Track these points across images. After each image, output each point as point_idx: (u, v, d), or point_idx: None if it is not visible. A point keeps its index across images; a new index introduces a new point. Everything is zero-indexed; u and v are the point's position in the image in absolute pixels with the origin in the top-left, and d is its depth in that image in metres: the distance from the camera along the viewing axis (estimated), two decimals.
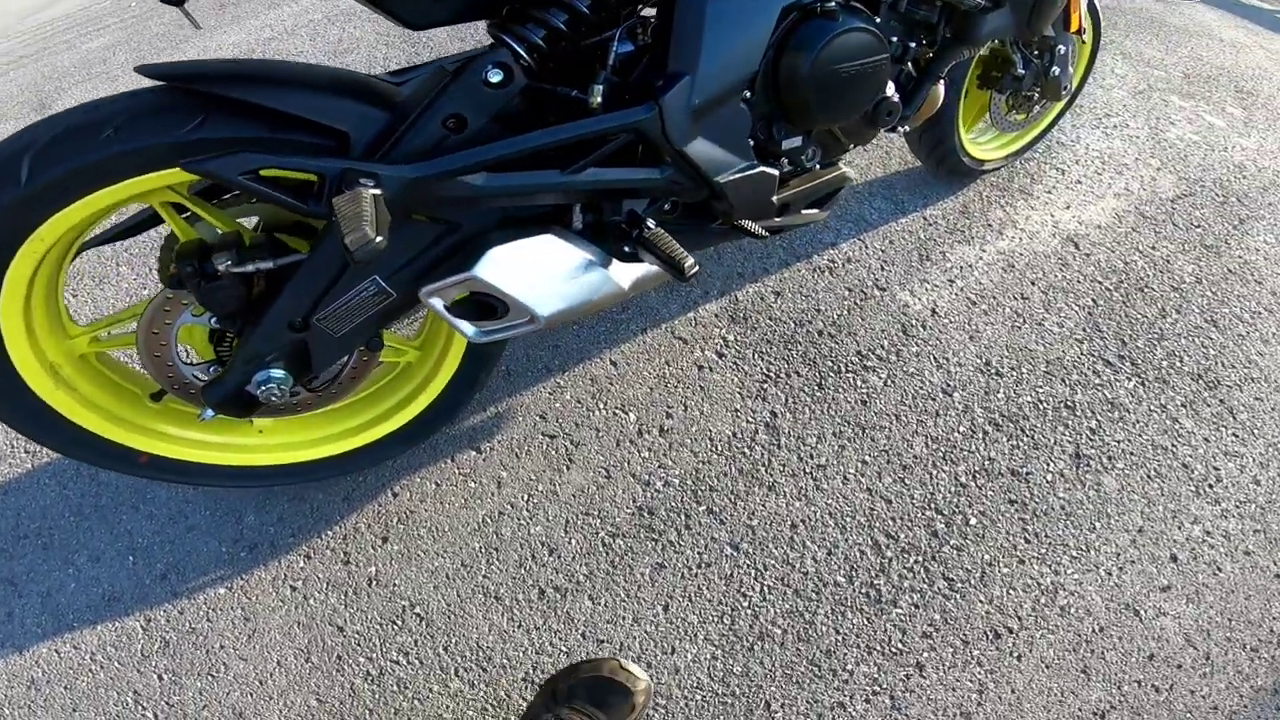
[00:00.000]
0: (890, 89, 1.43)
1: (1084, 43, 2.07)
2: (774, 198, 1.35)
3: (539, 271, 1.11)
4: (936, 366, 1.68)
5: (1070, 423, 1.58)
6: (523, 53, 1.06)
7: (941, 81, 1.59)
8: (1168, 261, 1.95)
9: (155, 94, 0.96)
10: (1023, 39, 1.66)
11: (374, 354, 1.28)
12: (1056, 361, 1.70)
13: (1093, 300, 1.84)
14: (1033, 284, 1.87)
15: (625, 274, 1.20)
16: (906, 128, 1.60)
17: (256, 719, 1.27)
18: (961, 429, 1.57)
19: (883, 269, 1.90)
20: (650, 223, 1.19)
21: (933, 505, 1.46)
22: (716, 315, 1.80)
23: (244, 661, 1.33)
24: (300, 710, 1.28)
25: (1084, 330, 1.77)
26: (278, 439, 1.41)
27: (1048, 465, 1.51)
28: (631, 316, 1.81)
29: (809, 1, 1.22)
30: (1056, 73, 1.88)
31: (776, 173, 1.32)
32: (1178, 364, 1.70)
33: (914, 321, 1.77)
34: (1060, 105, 2.19)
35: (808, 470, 1.52)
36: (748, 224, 1.37)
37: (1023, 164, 2.24)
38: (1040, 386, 1.65)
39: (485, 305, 1.14)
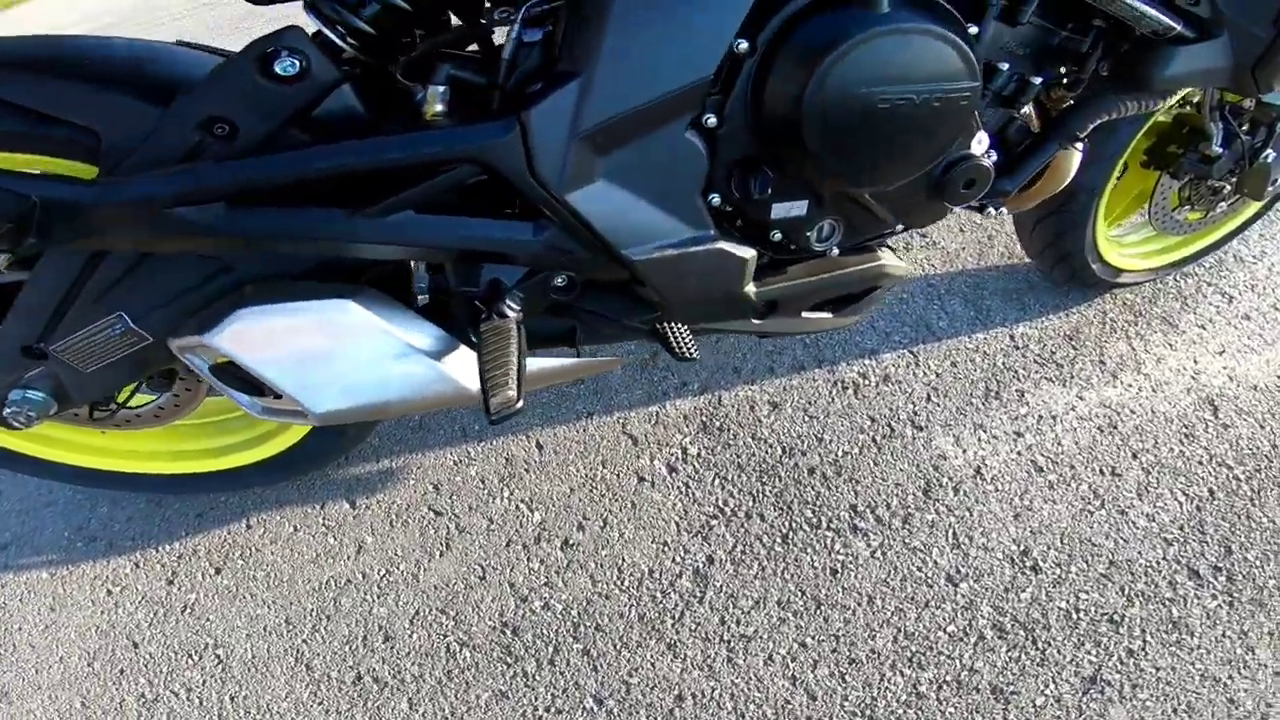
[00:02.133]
0: (979, 143, 1.04)
1: None
2: (746, 290, 1.03)
3: (310, 354, 0.88)
4: (952, 545, 1.32)
5: (1104, 641, 1.22)
6: (334, 37, 0.83)
7: (1077, 146, 1.17)
8: None
9: None
10: (1242, 94, 1.20)
11: (199, 387, 1.17)
12: (1124, 564, 1.30)
13: (1210, 491, 1.39)
14: (1134, 457, 1.43)
15: (471, 371, 0.94)
16: (1004, 209, 1.23)
17: (19, 701, 1.32)
18: (952, 629, 1.23)
19: (928, 400, 1.54)
20: (510, 305, 0.92)
21: (868, 715, 1.16)
22: (686, 417, 1.54)
23: (31, 648, 1.38)
24: (64, 708, 1.31)
25: (1180, 529, 1.34)
26: (125, 445, 1.38)
27: (1045, 687, 1.17)
28: (581, 394, 1.60)
29: None
30: (1270, 159, 1.42)
31: (749, 254, 1.00)
32: None
33: (945, 480, 1.41)
34: (1258, 206, 1.71)
35: (726, 638, 1.25)
36: (673, 334, 1.05)
37: (1177, 280, 1.76)
38: (1086, 592, 1.27)
39: None
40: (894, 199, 1.06)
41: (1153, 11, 0.99)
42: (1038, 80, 1.05)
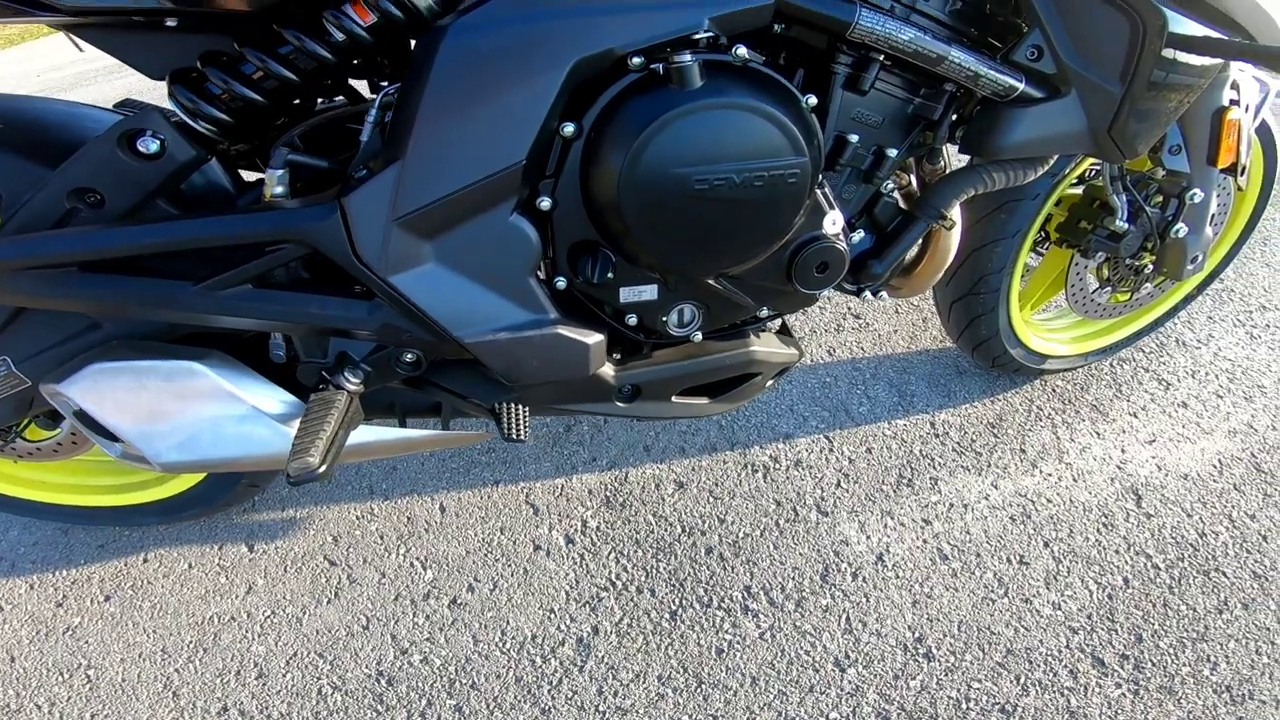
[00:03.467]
0: (833, 224, 1.01)
1: (1241, 189, 1.51)
2: (601, 374, 1.05)
3: (154, 409, 0.94)
4: (844, 630, 1.32)
5: None
6: (189, 120, 0.89)
7: (945, 224, 1.14)
8: (1263, 539, 1.43)
9: None
10: (1107, 160, 1.10)
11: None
12: (1022, 652, 1.28)
13: (1124, 580, 1.38)
14: (1045, 546, 1.43)
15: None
16: (884, 294, 1.20)
17: None
18: (835, 715, 1.21)
19: (838, 486, 1.55)
20: (349, 378, 0.97)
21: None
22: (591, 491, 1.56)
23: None
24: None
25: (1088, 617, 1.32)
26: (32, 475, 1.46)
27: None
28: (490, 462, 1.64)
29: (633, 54, 0.84)
30: (1181, 234, 1.36)
31: (592, 339, 1.00)
32: (1204, 672, 1.24)
33: (845, 565, 1.41)
34: (1190, 285, 1.65)
35: (602, 709, 1.24)
36: (508, 414, 1.06)
37: (1114, 365, 1.76)
38: (979, 680, 1.25)
39: None
40: (748, 284, 1.05)
41: (988, 70, 0.96)
42: (893, 152, 1.03)
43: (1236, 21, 0.98)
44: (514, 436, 1.08)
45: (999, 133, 1.01)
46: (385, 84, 0.96)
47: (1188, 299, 1.73)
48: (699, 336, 1.10)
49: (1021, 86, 0.98)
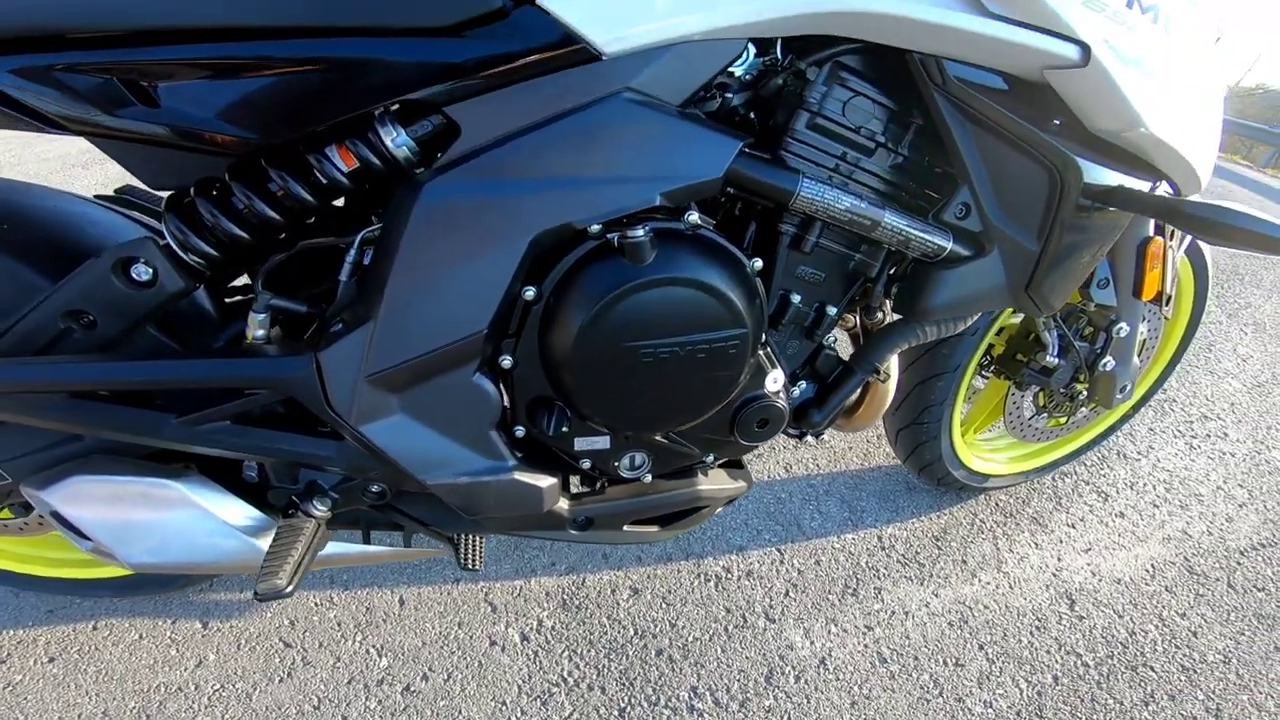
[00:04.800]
0: (774, 381, 1.08)
1: (1167, 318, 1.58)
2: (555, 510, 1.11)
3: (129, 519, 1.01)
4: None
5: None
6: (180, 252, 0.95)
7: (879, 378, 1.23)
8: (1194, 635, 1.54)
9: None
10: (1026, 313, 1.20)
11: None
12: None
13: (1054, 677, 1.47)
14: (980, 648, 1.52)
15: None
16: (820, 437, 1.28)
17: None
18: None
19: (787, 595, 1.62)
20: (317, 506, 1.04)
21: None
22: (548, 593, 1.62)
23: None
24: None
25: (1017, 714, 1.40)
26: None
27: None
28: (451, 560, 1.65)
29: (587, 224, 0.91)
30: (1110, 367, 1.44)
31: (547, 483, 1.08)
32: None
33: (789, 669, 1.48)
34: (1125, 407, 1.75)
35: None
36: (465, 544, 1.15)
37: (1056, 479, 1.87)
38: None
39: None
40: (693, 436, 1.13)
41: (920, 232, 1.02)
42: (833, 310, 1.11)
43: (1154, 166, 1.05)
44: (469, 566, 1.17)
45: (927, 294, 1.09)
46: (372, 217, 1.04)
47: (1124, 418, 1.82)
48: (649, 478, 1.17)
49: (950, 246, 1.05)
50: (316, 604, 1.59)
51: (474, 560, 1.18)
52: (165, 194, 1.01)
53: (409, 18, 0.84)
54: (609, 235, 0.92)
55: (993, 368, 1.59)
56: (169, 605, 1.58)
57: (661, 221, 0.94)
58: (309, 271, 1.08)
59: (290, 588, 0.96)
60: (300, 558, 0.99)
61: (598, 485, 1.23)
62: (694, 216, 0.95)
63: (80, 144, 4.50)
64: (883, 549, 1.74)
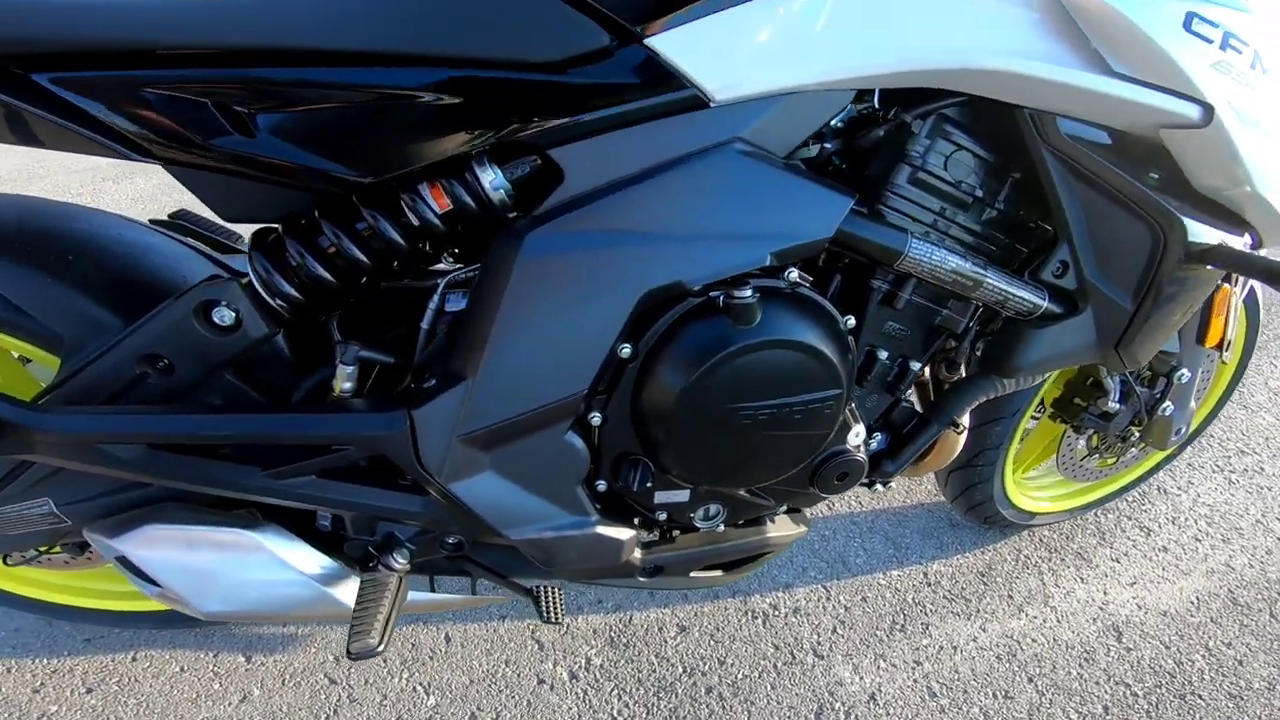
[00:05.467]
0: (856, 436, 1.07)
1: (1225, 363, 1.59)
2: (631, 559, 1.10)
3: (204, 568, 0.99)
4: None
5: None
6: (266, 296, 0.92)
7: (957, 430, 1.22)
8: (1239, 663, 1.54)
9: None
10: (1111, 369, 1.22)
11: None
12: None
13: (1104, 708, 1.46)
14: (1029, 681, 1.51)
15: (353, 595, 1.04)
16: (890, 485, 1.26)
17: None
18: None
19: (834, 631, 1.61)
20: (397, 559, 1.02)
21: None
22: (595, 630, 1.59)
23: None
24: None
25: None
26: (22, 570, 1.42)
27: None
28: (498, 597, 1.60)
29: (698, 285, 0.89)
30: (1169, 412, 1.44)
31: (628, 535, 1.07)
32: None
33: (839, 704, 1.46)
34: (1170, 451, 1.75)
35: None
36: (546, 598, 1.13)
37: (1098, 516, 1.87)
38: None
39: None
40: (771, 490, 1.13)
41: (1019, 292, 1.02)
42: (917, 366, 1.10)
43: (1247, 221, 1.04)
44: (552, 619, 1.15)
45: (1017, 352, 1.07)
46: (445, 257, 1.01)
47: (1170, 457, 1.82)
48: (722, 527, 1.16)
49: (1045, 305, 1.04)
50: None
51: (555, 613, 1.16)
52: (227, 223, 0.99)
53: (513, 50, 0.82)
54: (712, 293, 0.90)
55: (1049, 411, 1.58)
56: (211, 637, 1.55)
57: (764, 279, 0.92)
58: (383, 315, 1.05)
59: (383, 646, 0.94)
60: (389, 614, 0.97)
61: (668, 535, 1.21)
62: (794, 274, 0.93)
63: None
64: (929, 585, 1.73)
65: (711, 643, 1.59)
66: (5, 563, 1.22)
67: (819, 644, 1.59)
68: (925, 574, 1.76)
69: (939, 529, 1.87)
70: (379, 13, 0.81)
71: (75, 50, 0.81)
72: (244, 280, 0.94)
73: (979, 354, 1.15)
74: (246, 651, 1.53)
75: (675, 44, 0.83)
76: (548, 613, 1.16)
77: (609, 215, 0.86)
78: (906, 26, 0.85)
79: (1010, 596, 1.71)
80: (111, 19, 0.80)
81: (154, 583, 1.02)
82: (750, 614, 1.65)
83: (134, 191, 4.36)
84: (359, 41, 0.81)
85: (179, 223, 1.24)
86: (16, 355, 1.20)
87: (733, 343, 0.89)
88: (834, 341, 0.94)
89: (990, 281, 0.99)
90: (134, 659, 1.52)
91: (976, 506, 1.67)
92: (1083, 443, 1.62)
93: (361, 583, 1.01)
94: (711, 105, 0.85)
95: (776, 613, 1.66)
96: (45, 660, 1.52)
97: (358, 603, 0.99)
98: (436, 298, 0.96)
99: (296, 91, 0.82)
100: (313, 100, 0.82)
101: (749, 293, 0.86)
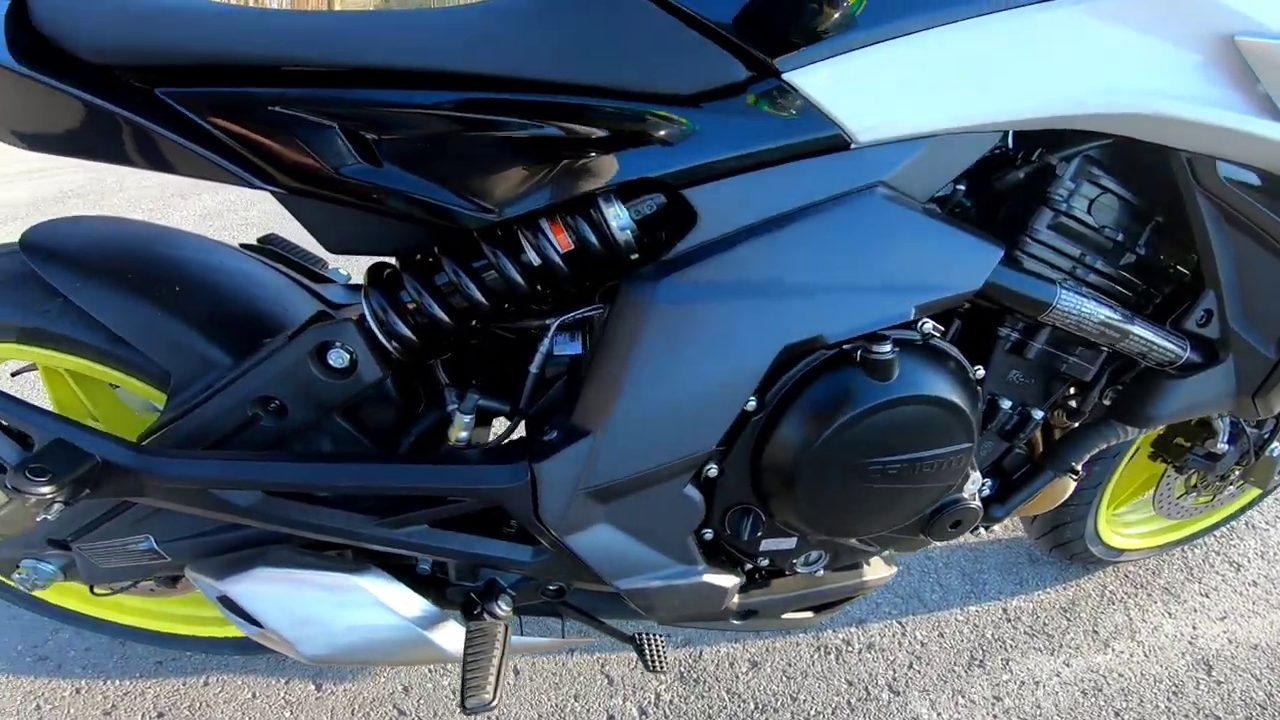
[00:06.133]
0: (972, 483, 1.03)
1: None
2: (729, 605, 1.07)
3: (310, 614, 0.97)
4: None
5: None
6: (381, 338, 0.89)
7: (1080, 476, 1.17)
8: None
9: None
10: (1243, 417, 1.17)
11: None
12: None
13: None
14: (1115, 715, 1.47)
15: (458, 644, 1.02)
16: (995, 529, 1.30)
17: None
18: None
19: (910, 667, 1.57)
20: (502, 606, 0.99)
21: None
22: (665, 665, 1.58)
23: None
24: None
25: None
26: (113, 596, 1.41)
27: None
28: (567, 631, 1.60)
29: (839, 340, 0.85)
30: (1276, 453, 1.40)
31: (732, 583, 1.03)
32: None
33: None
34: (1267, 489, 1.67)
35: None
36: (649, 646, 1.11)
37: (1185, 551, 1.82)
38: None
39: None
40: (881, 537, 1.08)
41: (1163, 342, 0.97)
42: (1039, 414, 1.05)
43: None
44: (656, 668, 1.13)
45: (1153, 404, 1.03)
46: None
47: (1265, 494, 1.77)
48: (822, 572, 1.13)
49: (1185, 355, 0.99)
50: (430, 670, 1.54)
51: (659, 661, 1.13)
52: (329, 253, 0.95)
53: (646, 81, 0.79)
54: (846, 346, 0.86)
55: (1149, 451, 1.53)
56: (282, 664, 1.53)
57: (900, 331, 0.88)
58: (486, 357, 1.03)
59: (496, 700, 0.92)
60: (499, 665, 0.95)
61: (765, 580, 1.18)
62: (928, 325, 0.89)
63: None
64: (1008, 620, 1.69)
65: (784, 679, 1.55)
66: (92, 592, 1.20)
67: (894, 680, 1.56)
68: (1004, 609, 1.71)
69: (1018, 564, 1.83)
70: (513, 37, 0.79)
71: (202, 64, 0.79)
72: (358, 319, 0.91)
73: (1107, 402, 1.10)
74: (317, 680, 1.51)
75: (816, 80, 0.79)
76: (652, 661, 1.13)
77: (747, 263, 0.82)
78: (1064, 67, 0.81)
79: (1095, 631, 1.66)
80: (241, 32, 0.78)
81: (256, 623, 1.00)
82: (823, 649, 1.61)
83: (202, 208, 4.41)
84: (492, 65, 0.78)
85: (269, 248, 1.21)
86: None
87: (868, 399, 0.85)
88: (966, 394, 0.90)
89: (1136, 332, 0.95)
90: (206, 684, 1.51)
91: (1065, 544, 1.63)
92: (1181, 481, 1.57)
93: (469, 633, 0.98)
94: (852, 146, 0.81)
95: (850, 648, 1.62)
96: (117, 682, 1.51)
97: (467, 655, 0.96)
98: (547, 341, 0.92)
99: (426, 118, 0.79)
100: (442, 129, 0.79)
101: (889, 348, 0.82)
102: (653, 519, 0.94)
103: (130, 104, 0.79)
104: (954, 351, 0.92)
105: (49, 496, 0.82)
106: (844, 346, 0.86)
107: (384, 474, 0.88)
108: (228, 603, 1.01)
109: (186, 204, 4.47)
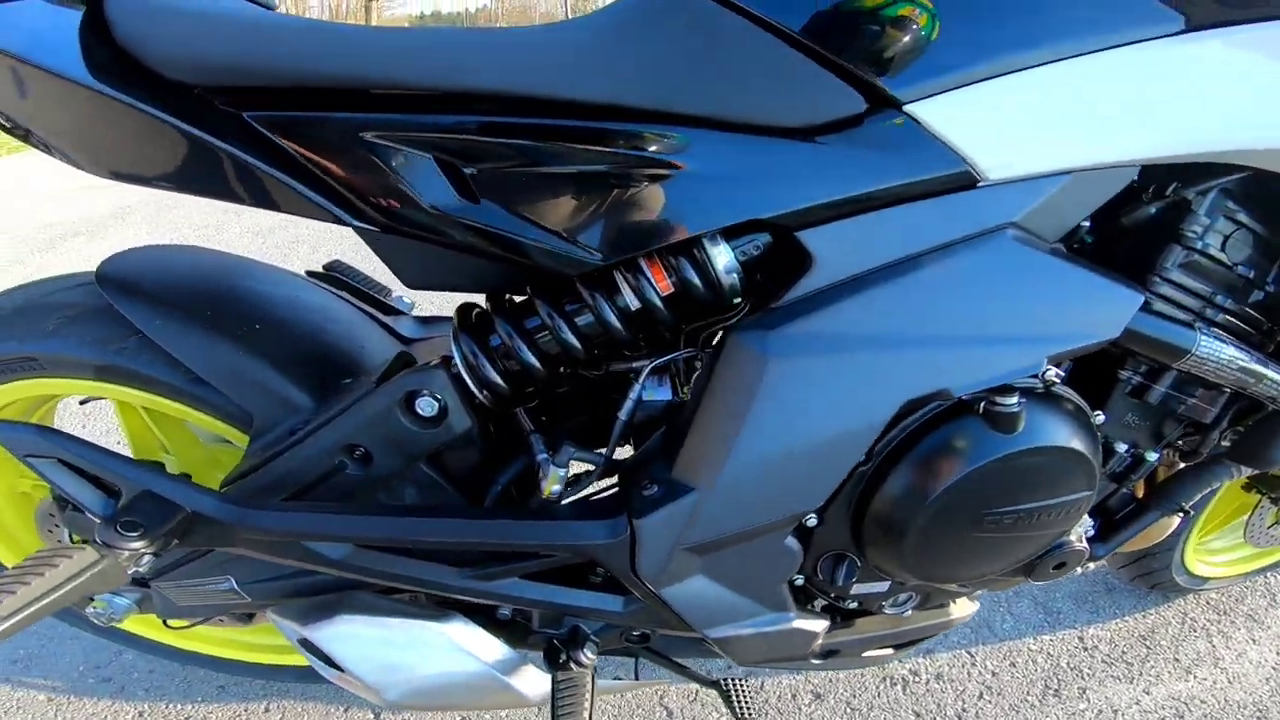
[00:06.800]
0: (1078, 528, 0.98)
1: None
2: (813, 647, 1.03)
3: (396, 661, 0.94)
4: None
5: None
6: (471, 385, 0.85)
7: (1191, 515, 1.13)
8: None
9: None
10: None
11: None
12: None
13: None
14: None
15: (538, 688, 1.00)
16: (1090, 567, 1.25)
17: None
18: None
19: (980, 697, 1.52)
20: (587, 654, 0.96)
21: None
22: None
23: None
24: None
25: None
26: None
27: None
28: (626, 664, 1.56)
29: (967, 395, 0.80)
30: None
31: (821, 627, 0.99)
32: None
33: None
34: None
35: None
36: (737, 695, 1.09)
37: (1268, 578, 1.77)
38: None
39: None
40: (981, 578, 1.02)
41: None
42: (1154, 457, 0.99)
43: None
44: (745, 717, 1.10)
45: (1278, 444, 0.98)
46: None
47: None
48: (909, 612, 1.09)
49: None
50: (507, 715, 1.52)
51: (748, 709, 1.10)
52: (408, 287, 0.90)
53: (759, 112, 0.74)
54: (965, 397, 0.81)
55: (1243, 481, 1.46)
56: (341, 693, 1.51)
57: (1024, 380, 0.82)
58: (568, 402, 1.00)
59: None
60: (589, 716, 0.93)
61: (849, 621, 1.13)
62: (1050, 372, 0.82)
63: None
64: (1085, 649, 1.64)
65: (848, 710, 1.51)
66: (166, 625, 1.19)
67: (964, 711, 1.51)
68: (1080, 638, 1.66)
69: (1093, 593, 1.77)
70: (622, 63, 0.75)
71: (293, 86, 0.75)
72: (447, 364, 0.87)
73: (1226, 443, 1.04)
74: (375, 710, 1.49)
75: (942, 113, 0.74)
76: (742, 711, 1.10)
77: (866, 312, 0.77)
78: (1210, 100, 0.76)
79: (1177, 659, 1.61)
80: (335, 51, 0.74)
81: (337, 667, 0.98)
82: (888, 680, 1.57)
83: (253, 225, 4.42)
84: (600, 92, 0.74)
85: (335, 275, 1.18)
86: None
87: (991, 452, 0.80)
88: (1089, 441, 0.85)
89: (1272, 376, 0.89)
90: (267, 710, 1.50)
91: (1149, 574, 1.58)
92: (1275, 511, 1.51)
93: (557, 683, 0.96)
94: (980, 184, 0.76)
95: (917, 679, 1.58)
96: (179, 705, 1.50)
97: (557, 707, 0.94)
98: (637, 387, 0.88)
99: (525, 149, 0.74)
100: (542, 162, 0.75)
101: (1015, 400, 0.77)
102: (749, 569, 0.90)
103: (217, 129, 0.75)
104: (1076, 398, 0.87)
105: (141, 551, 0.80)
106: (962, 398, 0.81)
107: (482, 529, 0.85)
108: (309, 645, 0.98)
109: (239, 221, 4.48)
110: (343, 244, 3.95)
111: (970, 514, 0.84)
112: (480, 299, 0.94)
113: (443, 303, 2.88)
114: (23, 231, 4.32)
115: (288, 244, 4.08)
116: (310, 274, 1.17)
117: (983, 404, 0.79)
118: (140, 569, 0.84)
